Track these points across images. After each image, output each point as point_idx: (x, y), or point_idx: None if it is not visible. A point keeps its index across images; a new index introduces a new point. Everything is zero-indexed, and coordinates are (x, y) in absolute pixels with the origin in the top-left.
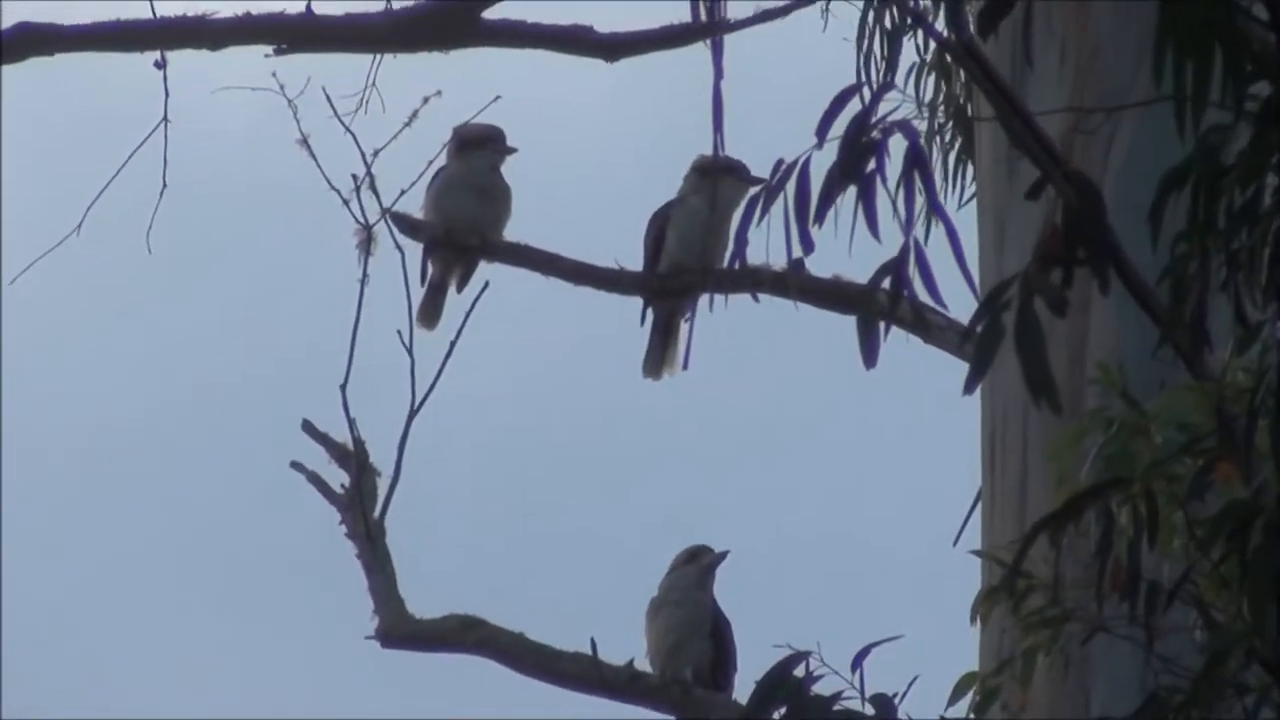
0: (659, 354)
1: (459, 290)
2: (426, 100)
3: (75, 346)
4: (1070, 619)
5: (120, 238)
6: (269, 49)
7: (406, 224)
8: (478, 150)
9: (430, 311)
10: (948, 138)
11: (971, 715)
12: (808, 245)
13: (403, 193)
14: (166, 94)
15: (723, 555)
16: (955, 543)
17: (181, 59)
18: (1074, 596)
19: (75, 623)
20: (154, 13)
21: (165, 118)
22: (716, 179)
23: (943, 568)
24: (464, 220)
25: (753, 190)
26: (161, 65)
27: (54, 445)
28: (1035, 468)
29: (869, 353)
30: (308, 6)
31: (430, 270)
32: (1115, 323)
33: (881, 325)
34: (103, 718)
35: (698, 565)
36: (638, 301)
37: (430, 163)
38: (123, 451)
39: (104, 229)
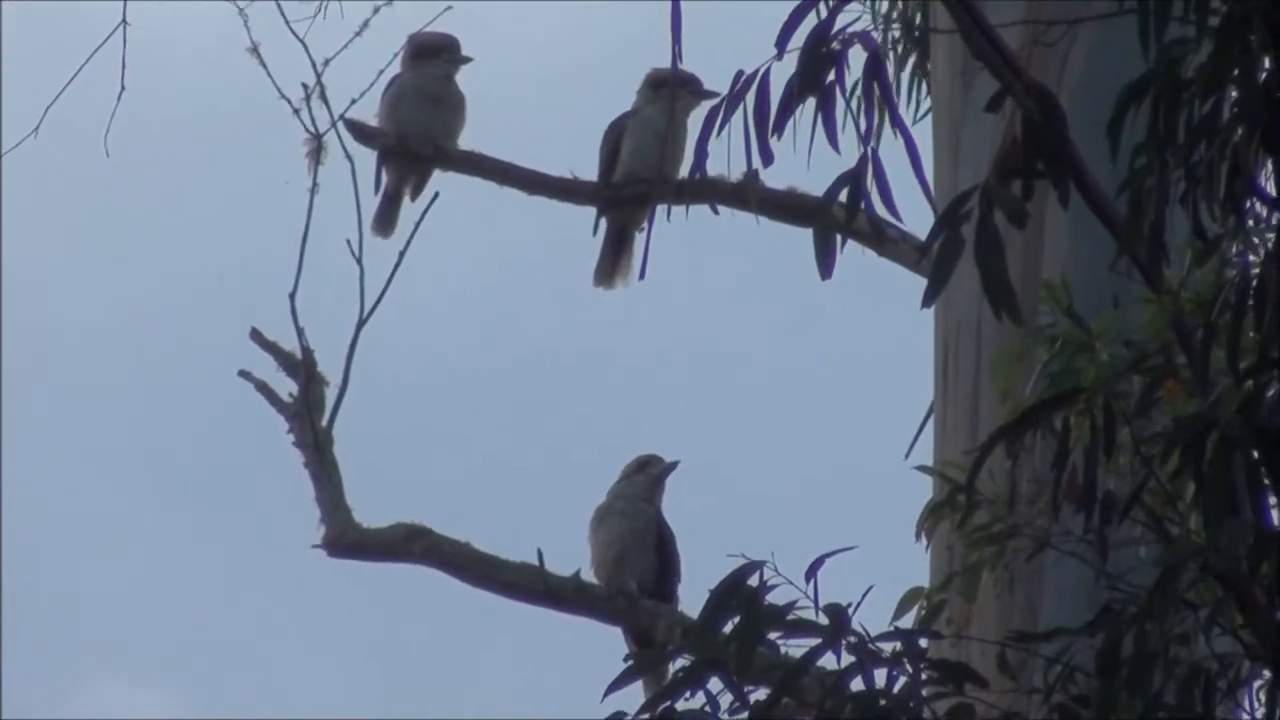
0: (610, 264)
1: (413, 199)
2: (378, 9)
3: (27, 249)
4: (1017, 534)
5: (78, 140)
6: None
7: (360, 131)
8: (432, 59)
9: (385, 220)
10: (903, 51)
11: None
12: (767, 157)
13: (353, 101)
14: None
15: (672, 465)
16: (907, 455)
17: None
18: (1020, 512)
19: (23, 529)
20: None
21: (124, 20)
22: (672, 92)
23: (898, 480)
24: (418, 128)
25: (707, 103)
26: None
27: (6, 347)
28: (987, 382)
29: (825, 264)
30: None
31: (384, 179)
32: (1069, 237)
33: (838, 237)
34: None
35: (646, 475)
36: (591, 212)
37: (382, 71)
38: (73, 356)
39: (64, 131)
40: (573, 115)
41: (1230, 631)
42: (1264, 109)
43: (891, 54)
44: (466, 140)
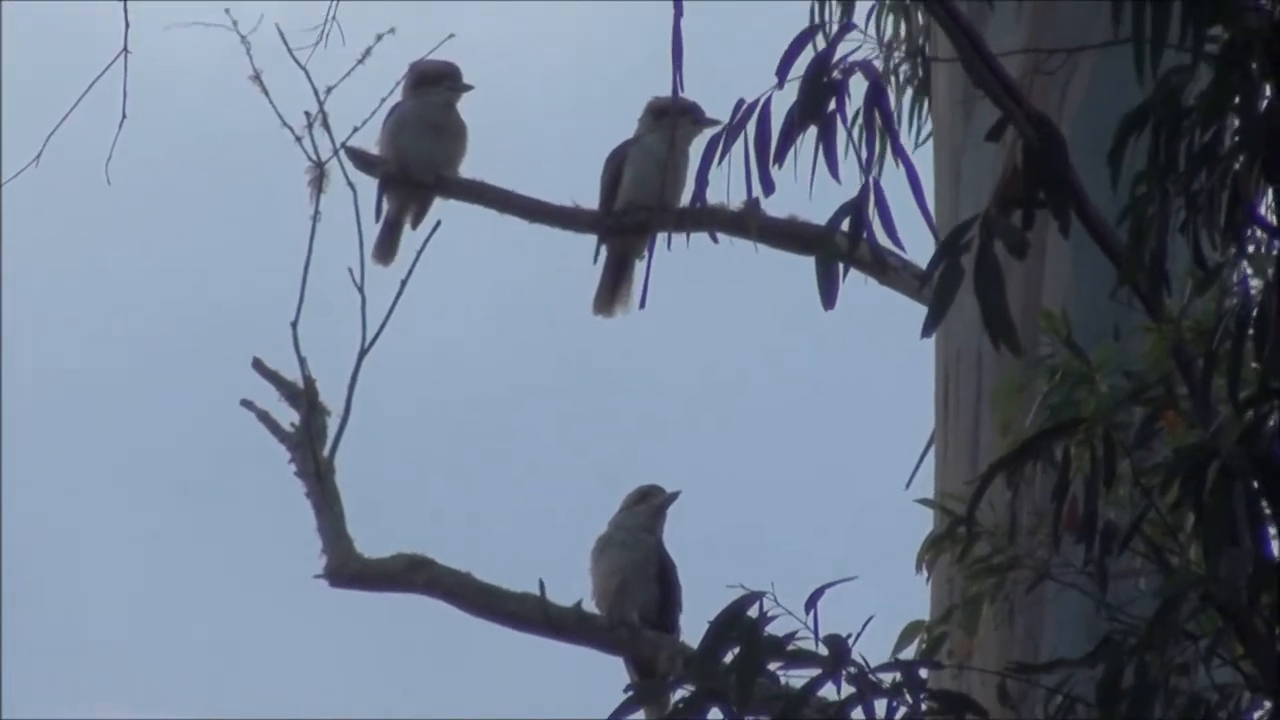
0: (610, 292)
1: (414, 227)
2: (380, 37)
3: (31, 277)
4: (1017, 566)
5: (79, 169)
6: None
7: (361, 159)
8: (433, 86)
9: (386, 248)
10: (904, 79)
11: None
12: (768, 186)
13: (355, 130)
14: (127, 25)
15: (674, 496)
16: (908, 485)
17: None
18: (1020, 544)
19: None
20: None
21: (125, 48)
22: (673, 121)
23: (899, 510)
24: (419, 157)
25: (708, 131)
26: None
27: (7, 376)
28: (988, 411)
29: (828, 293)
30: None
31: (385, 207)
32: (1070, 266)
33: (840, 266)
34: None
35: (648, 505)
36: (592, 240)
37: (384, 100)
38: (74, 384)
39: (64, 161)
40: (574, 143)
41: (1231, 662)
42: (1265, 137)
43: (893, 80)
44: (468, 168)
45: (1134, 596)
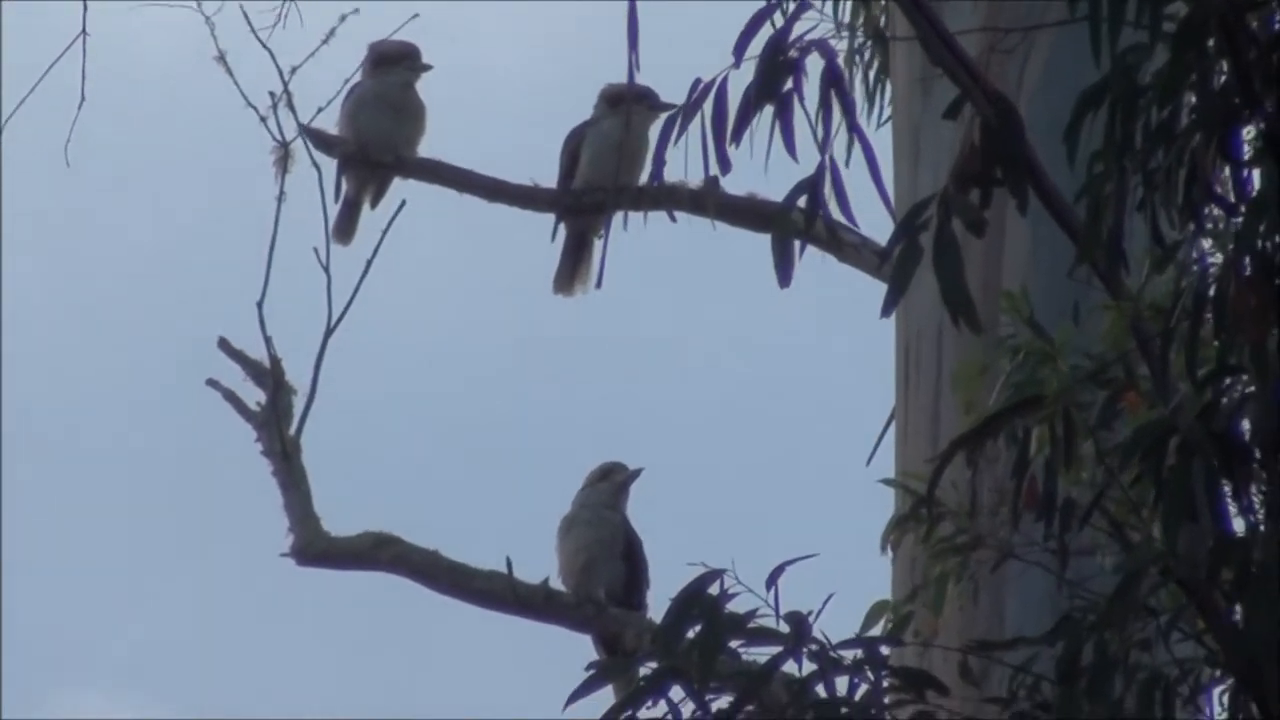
0: (569, 270)
1: (373, 206)
2: (344, 18)
3: None
4: (980, 545)
5: (38, 152)
6: None
7: (320, 140)
8: (393, 67)
9: (345, 228)
10: (865, 58)
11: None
12: (725, 164)
13: (319, 110)
14: (85, 6)
15: (636, 473)
16: (869, 462)
17: None
18: (983, 522)
19: None
20: None
21: (84, 30)
22: (629, 106)
23: (858, 486)
24: (378, 136)
25: (663, 116)
26: None
27: None
28: (948, 389)
29: (784, 271)
30: None
31: (345, 186)
32: (1028, 244)
33: (797, 244)
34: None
35: (610, 482)
36: (550, 219)
37: (347, 80)
38: (37, 364)
39: (21, 144)
40: (531, 123)
41: (1191, 637)
42: (1221, 115)
43: (856, 60)
44: (427, 149)
45: (1096, 573)
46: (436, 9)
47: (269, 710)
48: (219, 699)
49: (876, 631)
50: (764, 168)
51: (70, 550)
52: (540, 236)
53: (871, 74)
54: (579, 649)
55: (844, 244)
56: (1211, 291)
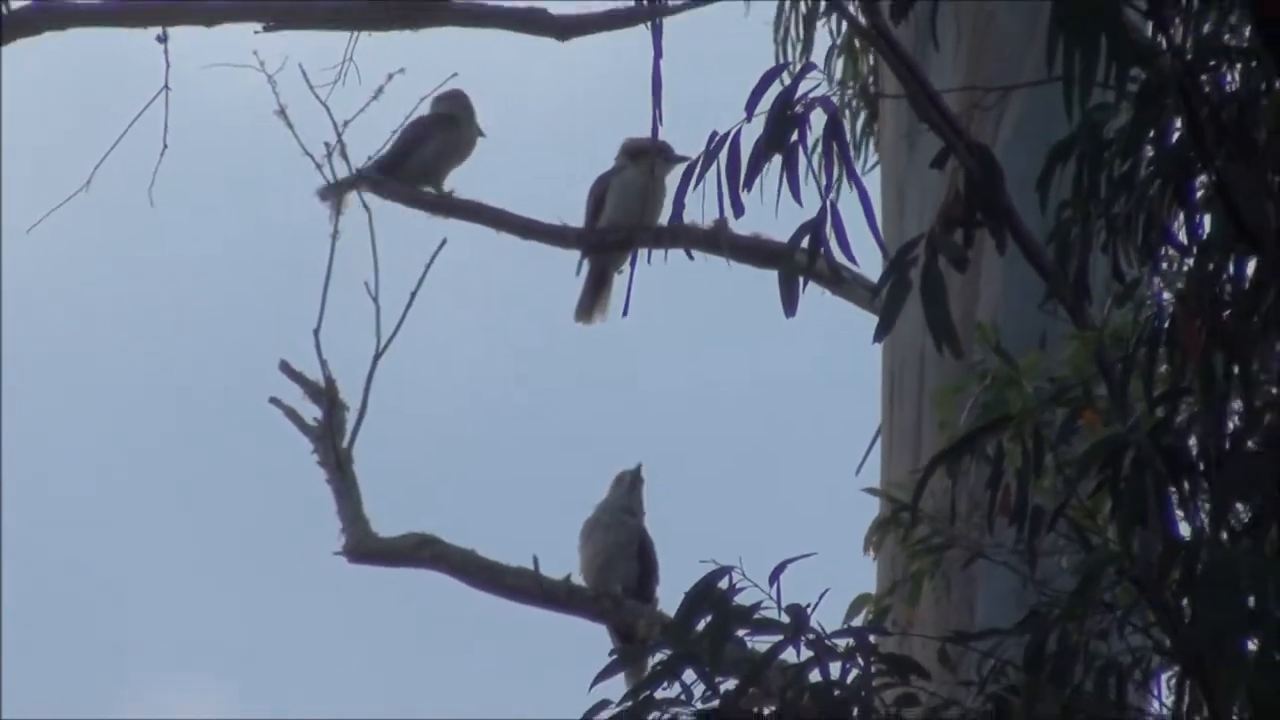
0: (590, 301)
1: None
2: (391, 77)
3: (85, 294)
4: (953, 546)
5: (125, 193)
6: (259, 27)
7: (374, 182)
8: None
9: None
10: (855, 113)
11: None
12: (739, 208)
13: (369, 158)
14: (167, 65)
15: (636, 471)
16: (858, 472)
17: (180, 35)
18: (956, 527)
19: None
20: None
21: (166, 86)
22: (652, 157)
23: (849, 494)
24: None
25: (678, 167)
26: (163, 40)
27: (65, 385)
28: (929, 409)
29: (790, 303)
30: None
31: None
32: (1002, 281)
33: (800, 279)
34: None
35: (621, 487)
36: (575, 255)
37: (394, 132)
38: (130, 386)
39: (112, 185)
40: (561, 169)
41: (1143, 629)
42: (1176, 167)
43: (846, 113)
44: (469, 189)
45: (1057, 573)
46: (475, 62)
47: (323, 685)
48: (280, 679)
49: (859, 621)
50: (774, 212)
51: (158, 546)
52: (566, 270)
53: (859, 125)
54: (597, 638)
55: (842, 279)
56: (1165, 323)
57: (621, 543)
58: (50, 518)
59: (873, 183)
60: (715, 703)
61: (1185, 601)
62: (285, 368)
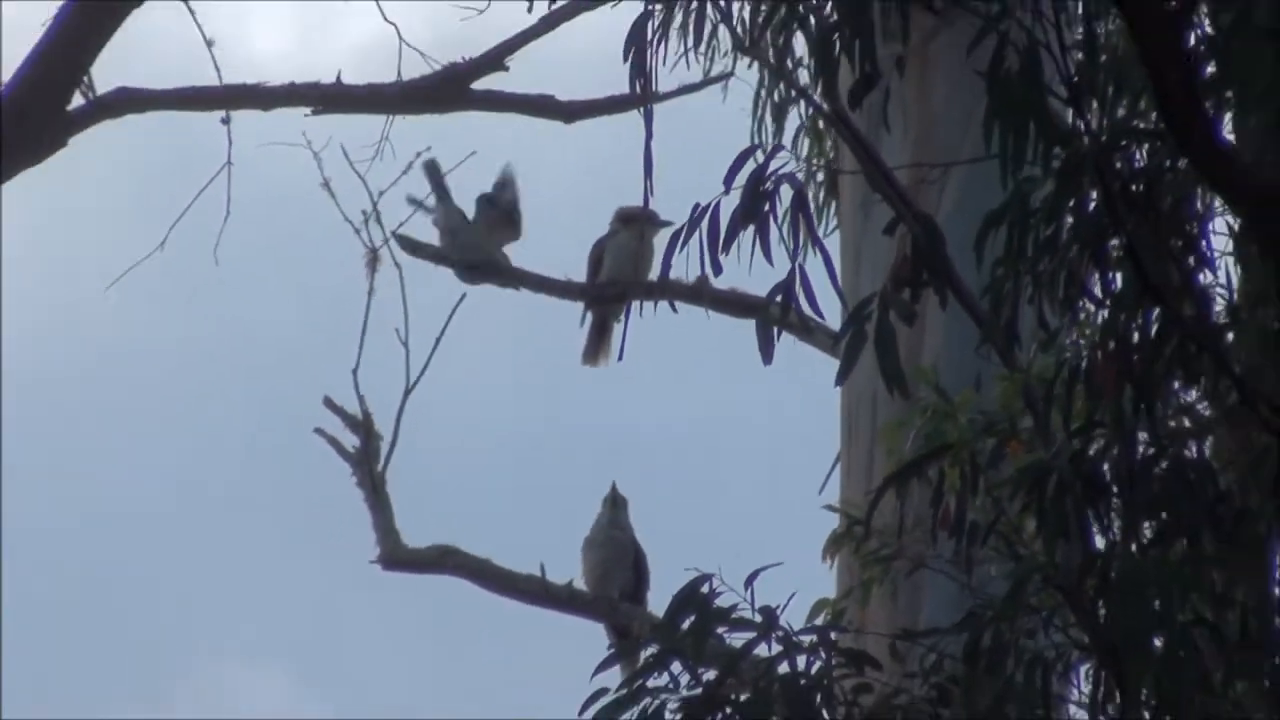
0: (594, 347)
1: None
2: (419, 155)
3: (160, 343)
4: (900, 556)
5: (195, 252)
6: (308, 110)
7: (410, 244)
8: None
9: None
10: (818, 186)
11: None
12: (718, 268)
13: (400, 224)
14: (230, 143)
15: (613, 490)
16: (820, 492)
17: (240, 117)
18: (903, 540)
19: (154, 543)
20: (220, 80)
21: (229, 161)
22: (642, 223)
23: (813, 512)
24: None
25: (664, 231)
26: (226, 121)
27: (154, 416)
28: (880, 440)
29: (766, 352)
30: (338, 78)
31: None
32: (943, 330)
33: (775, 330)
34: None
35: (606, 507)
36: (580, 306)
37: (420, 202)
38: (197, 419)
39: (184, 246)
40: (565, 232)
41: (1064, 629)
42: (1093, 233)
43: (812, 184)
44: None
45: (990, 580)
46: (492, 139)
47: (362, 671)
48: (327, 666)
49: (820, 621)
50: (749, 270)
51: (224, 552)
52: (571, 321)
53: (822, 195)
54: (595, 635)
55: (809, 328)
56: (1083, 366)
57: (616, 556)
58: (136, 528)
59: (833, 245)
60: (698, 690)
61: (1101, 604)
62: (328, 403)
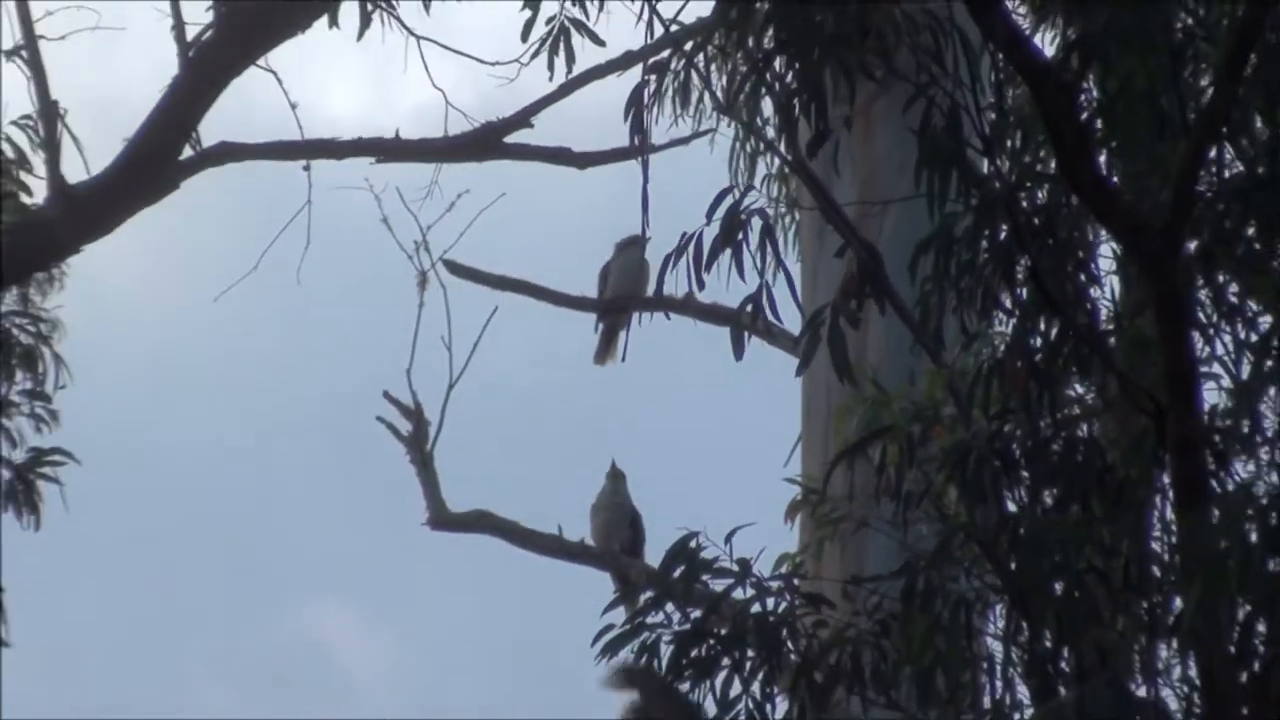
0: (605, 350)
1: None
2: (460, 195)
3: (254, 347)
4: (847, 519)
5: (280, 275)
6: (372, 160)
7: (453, 267)
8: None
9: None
10: (782, 218)
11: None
12: (701, 284)
13: (445, 251)
14: (309, 185)
15: (612, 466)
16: (785, 465)
17: (318, 165)
18: (851, 505)
19: (254, 502)
20: (301, 135)
21: (309, 200)
22: (640, 248)
23: (779, 483)
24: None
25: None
26: (306, 169)
27: (254, 403)
28: (833, 422)
29: (738, 350)
30: (396, 133)
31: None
32: (883, 334)
33: (745, 334)
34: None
35: (608, 480)
36: (592, 316)
37: (462, 233)
38: (282, 405)
39: (274, 269)
40: (580, 256)
41: (981, 576)
42: (1004, 256)
43: (778, 217)
44: (519, 269)
45: (922, 537)
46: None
47: (417, 609)
48: (389, 605)
49: (784, 571)
50: (726, 286)
51: (309, 512)
52: (585, 328)
53: (787, 224)
54: (602, 582)
55: (773, 333)
56: (997, 363)
57: (617, 519)
58: (241, 493)
59: (794, 266)
60: (687, 626)
61: (1012, 556)
62: (388, 396)
